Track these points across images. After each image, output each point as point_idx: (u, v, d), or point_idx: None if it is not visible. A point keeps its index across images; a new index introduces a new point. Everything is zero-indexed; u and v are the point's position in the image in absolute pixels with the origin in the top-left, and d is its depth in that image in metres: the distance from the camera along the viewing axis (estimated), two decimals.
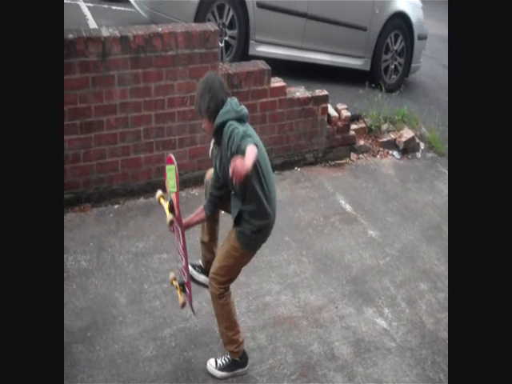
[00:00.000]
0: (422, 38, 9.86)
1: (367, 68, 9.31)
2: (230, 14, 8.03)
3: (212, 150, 4.29)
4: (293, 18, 8.51)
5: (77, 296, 5.01)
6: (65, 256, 5.40)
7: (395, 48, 9.50)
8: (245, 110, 4.05)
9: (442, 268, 5.90)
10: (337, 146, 7.68)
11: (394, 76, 9.59)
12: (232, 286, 5.16)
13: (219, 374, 4.48)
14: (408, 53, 9.63)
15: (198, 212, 4.45)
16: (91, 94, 6.00)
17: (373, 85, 8.76)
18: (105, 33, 6.00)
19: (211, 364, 4.51)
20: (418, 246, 6.29)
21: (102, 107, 6.07)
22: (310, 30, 8.67)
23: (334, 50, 9.03)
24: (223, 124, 3.91)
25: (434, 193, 7.30)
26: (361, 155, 7.88)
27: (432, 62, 10.94)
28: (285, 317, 5.16)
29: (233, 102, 4.02)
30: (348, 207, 6.77)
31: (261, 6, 8.17)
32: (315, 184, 7.16)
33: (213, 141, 4.25)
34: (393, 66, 9.55)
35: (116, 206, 6.18)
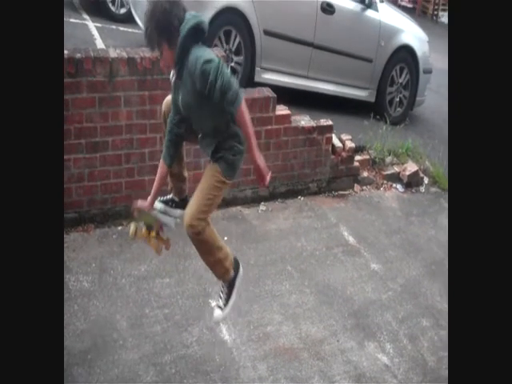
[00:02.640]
0: (428, 71, 9.99)
1: (372, 99, 9.42)
2: (237, 40, 8.11)
3: (173, 81, 4.10)
4: (299, 47, 8.62)
5: (78, 317, 5.01)
6: (67, 276, 5.41)
7: (400, 81, 9.63)
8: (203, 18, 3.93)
9: (445, 305, 5.90)
10: (340, 177, 7.73)
11: (398, 109, 9.70)
12: (233, 315, 5.22)
13: (228, 309, 4.49)
14: (413, 86, 9.76)
15: (160, 176, 4.37)
16: (97, 114, 6.05)
17: (377, 116, 8.84)
18: (112, 54, 6.06)
19: (218, 314, 4.50)
20: (421, 281, 6.29)
21: (108, 128, 6.12)
22: (316, 59, 8.78)
23: (339, 80, 9.15)
24: (186, 47, 3.80)
25: (437, 228, 7.34)
26: (364, 187, 7.92)
27: (437, 96, 11.05)
28: (286, 348, 5.16)
29: (189, 16, 3.84)
30: (351, 239, 6.80)
31: (267, 33, 8.27)
32: (318, 214, 7.20)
33: (173, 72, 4.06)
34: (398, 99, 9.67)
35: (119, 228, 6.20)
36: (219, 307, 4.48)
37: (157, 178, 4.37)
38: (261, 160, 4.12)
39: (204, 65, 3.75)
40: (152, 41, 3.85)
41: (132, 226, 4.53)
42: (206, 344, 5.05)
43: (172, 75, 4.13)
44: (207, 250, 4.28)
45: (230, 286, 4.49)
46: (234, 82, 3.83)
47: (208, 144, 4.20)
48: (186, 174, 4.64)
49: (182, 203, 4.57)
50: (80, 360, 4.71)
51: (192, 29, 3.83)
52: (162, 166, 4.34)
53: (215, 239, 4.29)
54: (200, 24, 3.90)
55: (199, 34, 3.91)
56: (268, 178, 4.22)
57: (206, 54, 3.83)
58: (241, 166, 4.37)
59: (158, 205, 4.50)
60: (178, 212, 4.57)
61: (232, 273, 4.47)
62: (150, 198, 4.39)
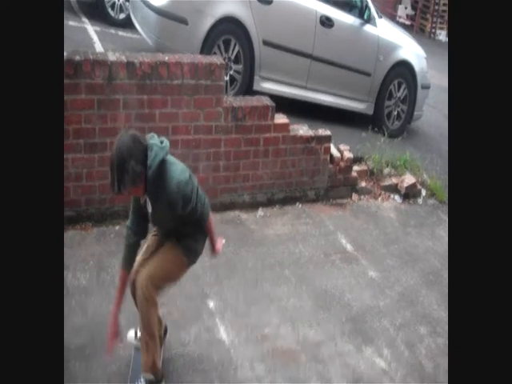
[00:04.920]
0: (425, 87, 10.12)
1: (370, 112, 9.53)
2: (236, 48, 8.21)
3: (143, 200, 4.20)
4: (298, 58, 8.74)
5: (76, 313, 5.04)
6: (65, 273, 5.43)
7: (398, 95, 9.75)
8: (166, 143, 4.03)
9: (442, 313, 5.94)
10: (338, 186, 7.81)
11: (396, 122, 9.82)
12: (231, 316, 5.24)
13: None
14: (411, 100, 9.88)
15: (120, 282, 4.36)
16: (96, 115, 6.11)
17: (376, 129, 8.94)
18: (111, 57, 6.13)
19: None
20: (418, 290, 6.33)
21: (107, 129, 6.18)
22: (315, 70, 8.89)
23: (337, 92, 9.26)
24: (157, 177, 3.91)
25: (434, 239, 7.40)
26: (362, 196, 8.00)
27: (435, 111, 11.17)
28: (284, 350, 5.18)
29: (153, 143, 3.93)
30: (349, 246, 6.85)
31: (266, 43, 8.39)
32: (316, 221, 7.26)
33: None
34: (395, 113, 9.78)
35: (117, 227, 6.24)
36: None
37: (118, 285, 4.36)
38: (216, 239, 4.58)
39: (183, 189, 3.98)
40: (120, 188, 3.87)
41: None
42: (204, 343, 5.08)
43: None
44: (147, 319, 4.29)
45: None
46: (206, 198, 4.28)
47: (170, 234, 4.38)
48: (159, 314, 4.65)
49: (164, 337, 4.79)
50: (78, 355, 4.73)
51: (161, 163, 3.93)
52: (121, 272, 4.32)
53: (155, 323, 4.34)
54: (167, 153, 4.01)
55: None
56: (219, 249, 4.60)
57: (181, 175, 4.01)
58: (201, 252, 4.50)
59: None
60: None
61: (158, 367, 4.41)
62: (113, 308, 4.34)
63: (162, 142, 4.00)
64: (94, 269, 5.67)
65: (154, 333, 4.29)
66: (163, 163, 3.93)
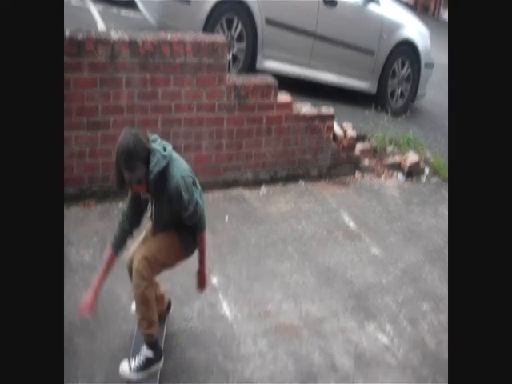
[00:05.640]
0: (429, 66, 10.11)
1: (373, 91, 9.54)
2: (239, 27, 8.21)
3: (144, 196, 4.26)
4: (301, 37, 8.74)
5: (79, 288, 5.07)
6: (68, 249, 5.51)
7: (402, 74, 9.73)
8: (169, 150, 4.07)
9: (445, 290, 5.95)
10: (341, 164, 7.85)
11: (400, 101, 9.83)
12: (234, 292, 5.29)
13: (135, 376, 4.37)
14: (414, 79, 9.88)
15: (106, 262, 4.37)
16: (99, 93, 6.15)
17: (379, 107, 8.95)
18: (114, 36, 6.15)
19: (124, 367, 4.40)
20: (421, 267, 6.35)
21: (110, 107, 6.22)
22: (318, 49, 8.89)
23: (340, 70, 9.27)
24: (159, 177, 3.97)
25: (437, 217, 7.42)
26: (365, 174, 8.04)
27: (438, 90, 11.15)
28: (286, 325, 5.22)
29: (156, 149, 3.97)
30: (351, 224, 6.89)
31: (269, 22, 8.38)
32: (319, 199, 7.30)
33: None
34: (399, 91, 9.78)
35: (120, 204, 6.25)
36: (129, 366, 4.41)
37: (103, 262, 4.37)
38: (206, 273, 4.57)
39: (182, 189, 4.01)
40: (123, 185, 3.97)
41: None
42: (207, 319, 5.14)
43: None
44: (142, 297, 4.30)
45: (146, 364, 4.42)
46: (204, 218, 4.26)
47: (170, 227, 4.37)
48: (161, 290, 4.78)
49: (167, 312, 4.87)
50: (82, 330, 4.78)
51: (163, 170, 3.98)
52: (109, 252, 4.35)
53: (153, 301, 4.36)
54: (168, 163, 4.01)
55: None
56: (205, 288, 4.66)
57: (182, 176, 4.03)
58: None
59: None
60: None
61: (154, 339, 4.43)
62: (95, 282, 4.34)
63: (165, 150, 4.03)
64: (97, 245, 5.72)
65: (150, 307, 4.31)
66: (165, 168, 3.99)
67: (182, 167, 4.10)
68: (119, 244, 4.34)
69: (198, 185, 4.34)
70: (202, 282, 4.60)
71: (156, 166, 3.92)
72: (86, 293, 4.29)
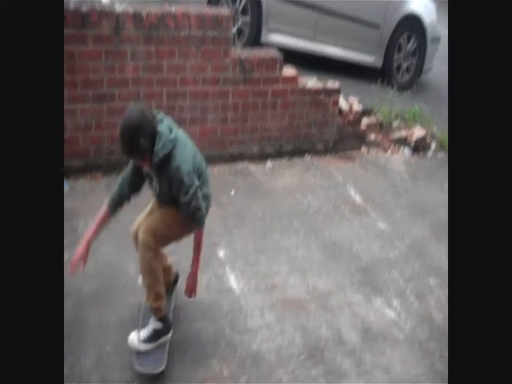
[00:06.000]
0: (435, 40, 10.11)
1: (379, 65, 9.56)
2: (243, 0, 8.20)
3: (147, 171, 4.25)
4: (306, 10, 8.73)
5: (87, 260, 5.13)
6: (76, 221, 5.56)
7: (408, 48, 9.74)
8: (175, 132, 4.06)
9: None
10: (347, 139, 7.87)
11: (406, 75, 9.86)
12: (241, 265, 5.34)
13: (143, 347, 4.40)
14: (420, 54, 9.88)
15: (99, 218, 4.35)
16: (104, 66, 6.18)
17: (385, 82, 8.96)
18: (118, 8, 6.16)
19: (133, 338, 4.42)
20: (428, 242, 6.38)
21: (115, 80, 6.25)
22: (323, 23, 8.91)
23: (346, 44, 9.31)
24: (164, 160, 3.96)
25: (443, 192, 7.41)
26: (371, 149, 8.07)
27: (445, 64, 11.13)
28: (293, 299, 5.27)
29: (163, 131, 3.97)
30: (358, 198, 6.92)
31: None
32: (325, 173, 7.34)
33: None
34: (405, 66, 9.80)
35: None
36: (138, 337, 4.43)
37: (97, 218, 4.35)
38: (196, 276, 4.43)
39: (181, 174, 3.98)
40: (133, 153, 3.97)
41: None
42: (214, 291, 5.19)
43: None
44: (148, 268, 4.33)
45: (155, 335, 4.46)
46: (204, 206, 4.19)
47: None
48: (168, 262, 4.80)
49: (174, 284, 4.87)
50: (91, 301, 4.85)
51: (168, 154, 3.97)
52: (104, 210, 4.37)
53: (160, 272, 4.39)
54: (174, 146, 4.02)
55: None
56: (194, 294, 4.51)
57: (184, 162, 4.01)
58: (205, 219, 4.41)
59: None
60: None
61: (163, 314, 4.47)
62: (88, 234, 4.34)
63: (171, 131, 4.03)
64: None
65: (157, 279, 4.34)
66: (170, 152, 3.99)
67: (186, 153, 4.09)
68: (115, 206, 4.34)
69: (207, 170, 4.35)
70: (191, 285, 4.47)
71: (162, 149, 3.92)
72: (77, 246, 4.27)
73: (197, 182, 4.11)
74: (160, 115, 4.11)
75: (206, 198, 4.33)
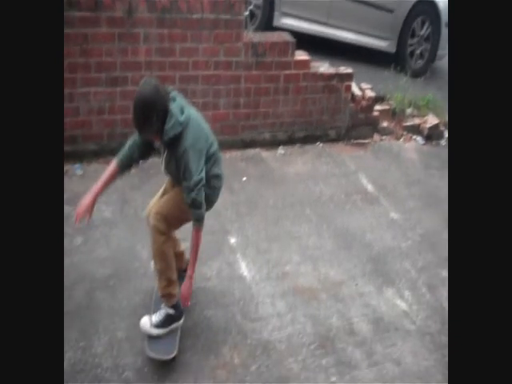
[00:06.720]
0: None
1: (392, 50, 9.58)
2: None
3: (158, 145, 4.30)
4: None
5: (100, 244, 5.26)
6: None
7: (422, 33, 9.75)
8: (187, 114, 4.09)
9: None
10: (360, 125, 7.92)
11: (419, 61, 9.86)
12: (252, 252, 5.44)
13: (155, 331, 4.49)
14: (435, 39, 9.87)
15: (108, 172, 4.43)
16: (117, 49, 6.29)
17: (398, 68, 8.99)
18: None
19: (145, 322, 4.52)
20: (440, 232, 6.37)
21: (128, 63, 6.36)
22: (337, 6, 8.96)
23: (359, 29, 9.33)
24: (173, 139, 4.03)
25: None
26: (384, 137, 8.12)
27: None
28: (304, 288, 5.36)
29: (174, 111, 4.01)
30: (370, 187, 6.99)
31: None
32: (337, 160, 7.41)
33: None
34: (419, 51, 9.82)
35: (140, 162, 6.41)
36: (150, 321, 4.52)
37: (106, 171, 4.43)
38: (191, 280, 4.38)
39: (187, 157, 4.04)
40: (145, 129, 4.04)
41: None
42: (226, 278, 5.30)
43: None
44: (159, 253, 4.42)
45: (167, 320, 4.55)
46: (204, 207, 4.21)
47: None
48: (181, 248, 4.90)
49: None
50: (103, 285, 4.98)
51: (178, 135, 4.04)
52: (113, 166, 4.42)
53: (171, 257, 4.47)
54: (185, 127, 4.06)
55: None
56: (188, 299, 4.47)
57: (193, 145, 4.07)
58: (217, 199, 4.54)
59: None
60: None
61: (175, 301, 4.55)
62: (94, 190, 4.38)
63: (182, 112, 4.07)
64: (117, 202, 5.92)
65: (169, 264, 4.44)
66: (180, 134, 4.05)
67: (198, 133, 4.14)
68: (123, 167, 4.43)
69: (219, 154, 4.41)
70: (186, 291, 4.40)
71: (171, 130, 3.99)
72: (84, 197, 4.34)
73: (203, 175, 4.13)
74: (173, 93, 4.16)
75: (218, 177, 4.41)
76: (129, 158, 4.40)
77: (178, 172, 4.15)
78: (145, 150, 4.41)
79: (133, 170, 6.02)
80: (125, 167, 4.43)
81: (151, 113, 3.91)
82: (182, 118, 4.02)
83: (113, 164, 4.40)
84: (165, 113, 3.97)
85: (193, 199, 4.11)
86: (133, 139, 4.39)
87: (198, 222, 4.23)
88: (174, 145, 4.06)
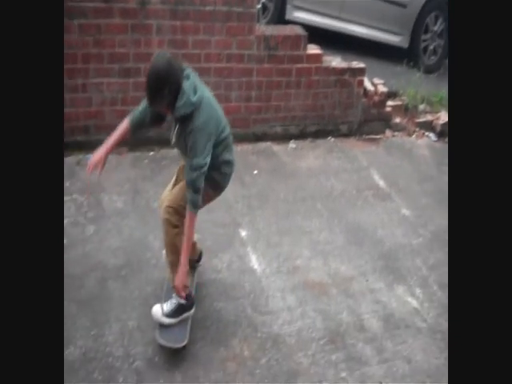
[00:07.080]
0: None
1: (405, 45, 9.60)
2: None
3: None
4: None
5: (112, 234, 5.31)
6: (101, 195, 5.77)
7: (435, 29, 9.77)
8: (200, 95, 4.06)
9: None
10: (372, 121, 7.94)
11: (433, 57, 9.89)
12: (263, 246, 5.48)
13: (166, 320, 4.52)
14: (448, 35, 9.90)
15: (119, 131, 4.48)
16: (130, 40, 6.34)
17: (411, 64, 9.01)
18: None
19: (156, 311, 4.55)
20: None
21: (140, 54, 6.40)
22: (349, 0, 8.97)
23: (372, 23, 9.36)
24: (184, 118, 4.04)
25: None
26: (396, 133, 8.13)
27: None
28: (315, 282, 5.40)
29: (187, 89, 3.99)
30: (381, 183, 7.02)
31: None
32: (349, 156, 7.44)
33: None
34: (432, 47, 9.85)
35: (151, 153, 6.50)
36: (162, 309, 4.56)
37: (118, 130, 4.48)
38: (185, 268, 4.36)
39: (195, 135, 4.06)
40: (151, 104, 4.08)
41: None
42: (236, 271, 5.35)
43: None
44: (170, 245, 4.49)
45: (178, 310, 4.58)
46: (201, 194, 4.18)
47: None
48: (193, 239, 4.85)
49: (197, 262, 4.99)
50: (114, 275, 5.05)
51: (189, 114, 4.04)
52: (125, 124, 4.45)
53: (179, 249, 4.44)
54: (198, 107, 4.05)
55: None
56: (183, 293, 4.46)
57: (202, 125, 4.06)
58: (227, 185, 4.57)
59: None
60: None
61: (183, 301, 4.56)
62: (106, 145, 4.43)
63: (195, 92, 4.05)
64: (129, 192, 5.98)
65: (180, 253, 4.42)
66: (191, 113, 4.05)
67: (210, 115, 4.13)
68: (135, 127, 4.45)
69: (231, 139, 4.46)
70: (178, 280, 4.40)
71: (182, 108, 3.99)
72: (96, 151, 4.39)
73: (207, 160, 4.13)
74: (188, 70, 4.14)
75: (229, 163, 4.45)
76: (141, 120, 4.43)
77: (186, 148, 4.16)
78: (156, 119, 4.42)
79: (145, 161, 6.17)
80: (136, 128, 4.46)
81: (164, 85, 3.90)
82: (194, 99, 4.01)
83: (125, 122, 4.44)
84: (177, 88, 3.96)
85: (192, 180, 4.11)
86: (144, 104, 4.39)
87: (193, 207, 4.20)
88: (184, 122, 4.07)
